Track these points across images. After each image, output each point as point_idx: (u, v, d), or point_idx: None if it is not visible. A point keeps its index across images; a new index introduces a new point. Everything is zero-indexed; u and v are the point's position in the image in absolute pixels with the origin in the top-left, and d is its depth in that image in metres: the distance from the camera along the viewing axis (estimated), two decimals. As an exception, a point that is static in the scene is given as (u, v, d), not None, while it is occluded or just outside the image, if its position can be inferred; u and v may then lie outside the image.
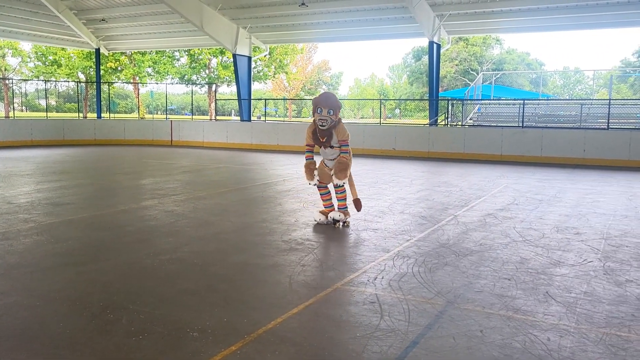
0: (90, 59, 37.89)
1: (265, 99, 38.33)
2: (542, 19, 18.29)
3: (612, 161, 14.64)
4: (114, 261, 4.92)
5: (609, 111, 16.77)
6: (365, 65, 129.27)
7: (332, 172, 6.42)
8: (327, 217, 6.56)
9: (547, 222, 6.91)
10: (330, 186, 6.73)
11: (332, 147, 6.36)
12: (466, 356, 3.10)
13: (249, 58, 23.46)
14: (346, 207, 6.60)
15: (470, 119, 21.66)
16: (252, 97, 25.29)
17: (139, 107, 39.17)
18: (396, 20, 19.88)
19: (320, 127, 6.20)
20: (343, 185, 6.48)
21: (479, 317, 3.68)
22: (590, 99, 32.43)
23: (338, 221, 6.49)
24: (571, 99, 41.21)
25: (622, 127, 17.72)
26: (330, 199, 6.72)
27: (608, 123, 16.54)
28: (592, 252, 5.47)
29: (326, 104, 6.14)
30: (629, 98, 43.11)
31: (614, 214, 7.60)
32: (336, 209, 6.60)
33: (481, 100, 24.75)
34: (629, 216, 7.43)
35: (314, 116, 6.28)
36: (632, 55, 55.20)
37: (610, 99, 19.39)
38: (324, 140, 6.29)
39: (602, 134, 15.43)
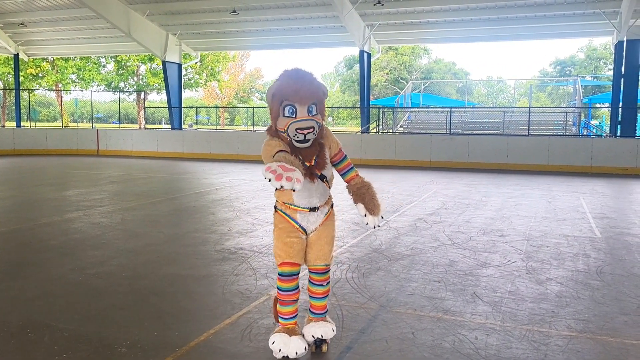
0: (8, 64, 35.98)
1: (197, 107, 37.69)
2: (466, 30, 19.10)
3: (533, 166, 15.42)
4: (35, 277, 4.67)
5: (529, 119, 17.69)
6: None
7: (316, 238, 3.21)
8: (302, 336, 3.21)
9: (474, 225, 7.17)
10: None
11: (322, 177, 3.11)
12: (398, 358, 3.15)
13: (179, 65, 23.05)
14: (326, 311, 3.40)
15: (401, 127, 22.21)
16: (183, 105, 24.84)
17: (62, 116, 37.49)
18: (327, 29, 20.16)
19: (298, 142, 2.93)
20: (329, 265, 3.34)
21: (411, 319, 3.76)
22: (512, 107, 34.11)
23: (325, 341, 3.28)
24: (494, 107, 43.14)
25: (541, 133, 18.72)
26: (297, 299, 3.26)
27: (528, 130, 17.44)
28: (516, 252, 5.72)
29: (311, 95, 2.89)
30: (547, 106, 45.60)
31: (535, 216, 7.99)
32: (312, 315, 3.34)
33: (411, 108, 25.46)
34: (549, 218, 7.84)
35: (276, 124, 2.96)
36: (549, 65, 58.52)
37: (530, 107, 20.51)
38: (313, 164, 3.04)
39: (523, 140, 16.25)
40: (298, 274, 3.19)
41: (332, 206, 3.28)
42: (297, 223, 3.14)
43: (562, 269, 5.08)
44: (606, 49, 48.06)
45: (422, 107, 26.05)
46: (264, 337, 3.40)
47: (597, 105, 32.46)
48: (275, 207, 3.22)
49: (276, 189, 3.01)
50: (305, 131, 2.88)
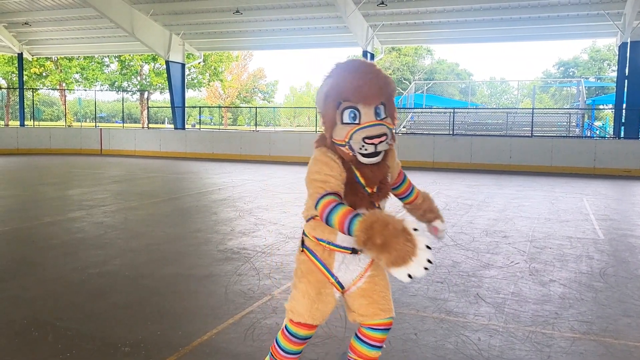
0: (13, 64, 36.05)
1: (200, 107, 37.75)
2: (469, 30, 19.07)
3: (536, 167, 15.40)
4: (39, 276, 4.68)
5: (532, 120, 17.67)
6: (301, 74, 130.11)
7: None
8: None
9: (477, 226, 7.16)
10: None
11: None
12: (401, 359, 3.15)
13: (183, 65, 23.08)
14: None
15: (404, 127, 22.21)
16: (186, 105, 24.86)
17: (65, 115, 37.58)
18: (330, 29, 20.16)
19: (366, 156, 2.15)
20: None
21: (414, 320, 3.75)
22: (515, 108, 34.06)
23: None
24: (498, 108, 43.11)
25: (544, 134, 18.69)
26: None
27: (532, 131, 17.41)
28: (519, 254, 5.71)
29: (379, 92, 2.14)
30: (550, 107, 45.52)
31: (538, 217, 7.98)
32: None
33: (414, 108, 25.45)
34: (552, 219, 7.82)
35: (332, 134, 2.20)
36: (552, 67, 58.44)
37: (533, 108, 20.46)
38: (377, 190, 2.30)
39: (526, 141, 16.21)
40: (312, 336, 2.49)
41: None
42: (332, 275, 2.35)
43: (565, 271, 5.07)
44: (610, 50, 47.94)
45: (425, 108, 26.05)
46: (267, 337, 3.40)
47: (601, 106, 32.40)
48: (302, 243, 2.41)
49: (310, 219, 2.34)
50: (376, 140, 2.10)
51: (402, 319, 3.77)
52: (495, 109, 41.03)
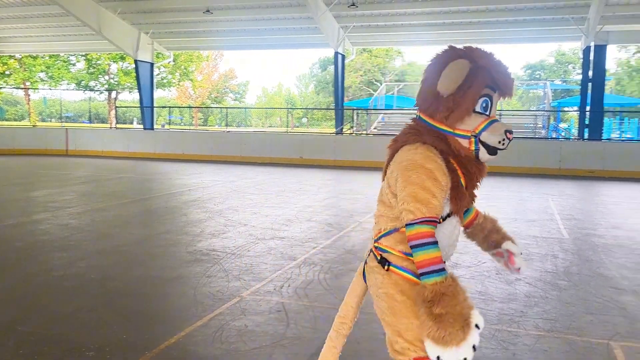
0: (-26, 61, 35.06)
1: (170, 107, 37.32)
2: (440, 33, 19.30)
3: (504, 168, 15.64)
4: (0, 280, 4.55)
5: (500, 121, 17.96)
6: (272, 75, 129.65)
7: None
8: None
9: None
10: None
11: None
12: (369, 358, 3.17)
13: (152, 64, 22.76)
14: None
15: (375, 128, 22.34)
16: (155, 105, 24.53)
17: (30, 114, 36.64)
18: (302, 30, 20.16)
19: (493, 154, 1.98)
20: None
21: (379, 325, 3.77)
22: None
23: None
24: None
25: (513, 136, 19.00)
26: None
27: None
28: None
29: (510, 84, 1.96)
30: (517, 109, 46.41)
31: (506, 217, 8.10)
32: None
33: (384, 109, 25.63)
34: (519, 219, 7.96)
35: (455, 123, 1.94)
36: (520, 69, 59.58)
37: (501, 110, 20.80)
38: (474, 190, 2.08)
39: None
40: None
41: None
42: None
43: (530, 270, 5.17)
44: (575, 54, 49.14)
45: (395, 109, 26.26)
46: (235, 340, 3.37)
47: (566, 108, 33.17)
48: (385, 261, 1.99)
49: (395, 231, 1.98)
50: (512, 135, 1.96)
51: (371, 319, 3.75)
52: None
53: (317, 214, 8.11)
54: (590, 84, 17.65)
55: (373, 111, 24.33)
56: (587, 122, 17.80)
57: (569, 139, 21.29)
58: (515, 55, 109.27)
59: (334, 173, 15.05)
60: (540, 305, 4.15)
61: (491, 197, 10.24)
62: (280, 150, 17.90)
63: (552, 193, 11.15)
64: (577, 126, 19.75)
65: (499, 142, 1.92)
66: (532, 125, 20.74)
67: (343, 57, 20.42)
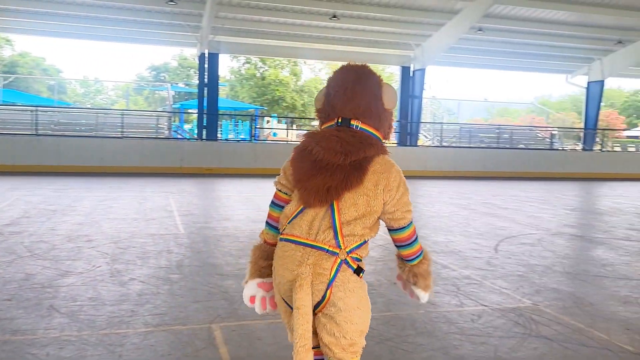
0: None
1: None
2: (56, 24, 17.84)
3: (128, 168, 15.57)
4: None
5: (123, 121, 17.80)
6: None
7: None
8: None
9: (59, 233, 6.73)
10: None
11: None
12: None
13: None
14: None
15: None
16: None
17: None
18: None
19: None
20: None
21: (-32, 349, 3.24)
22: (107, 109, 33.85)
23: None
24: (88, 108, 41.77)
25: (136, 136, 18.99)
26: None
27: (122, 132, 17.51)
28: (102, 257, 5.62)
29: None
30: (141, 109, 46.88)
31: (126, 217, 8.06)
32: None
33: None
34: (138, 219, 8.01)
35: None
36: (145, 70, 60.25)
37: (123, 110, 20.61)
38: None
39: (118, 142, 16.25)
40: None
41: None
42: None
43: (145, 268, 5.24)
44: (195, 60, 52.45)
45: (3, 105, 23.14)
46: None
47: (190, 110, 35.12)
48: (360, 270, 2.11)
49: (365, 242, 2.16)
50: None
51: None
52: (84, 108, 39.57)
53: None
54: (206, 89, 19.10)
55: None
56: (205, 123, 19.20)
57: (189, 139, 22.63)
58: (141, 55, 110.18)
59: None
60: (152, 302, 4.24)
61: (112, 199, 10.05)
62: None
63: (173, 191, 11.63)
64: (197, 127, 21.09)
65: None
66: (155, 125, 21.17)
67: None
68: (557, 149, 23.84)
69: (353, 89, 2.10)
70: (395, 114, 2.66)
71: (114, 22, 17.85)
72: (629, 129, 51.34)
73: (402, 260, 2.21)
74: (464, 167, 18.64)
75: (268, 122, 33.79)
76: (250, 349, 3.42)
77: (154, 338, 3.53)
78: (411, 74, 20.94)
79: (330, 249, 2.00)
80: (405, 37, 19.69)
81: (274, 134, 32.27)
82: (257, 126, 27.15)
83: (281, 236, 2.11)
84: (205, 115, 19.13)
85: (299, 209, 2.07)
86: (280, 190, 2.22)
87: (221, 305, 4.22)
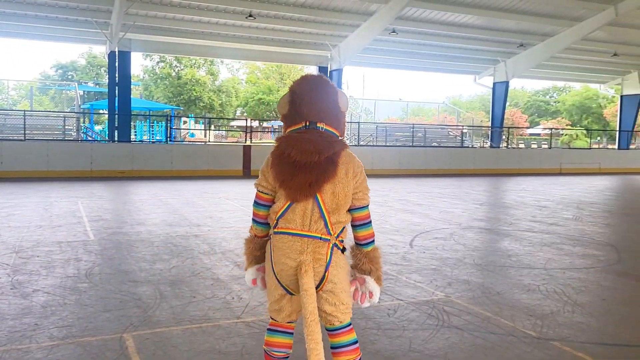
0: None
1: None
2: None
3: (32, 172, 14.65)
4: None
5: (25, 122, 16.71)
6: None
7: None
8: None
9: (-48, 244, 6.21)
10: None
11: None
12: None
13: None
14: None
15: None
16: None
17: None
18: None
19: None
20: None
21: None
22: (8, 110, 31.73)
23: None
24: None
25: (41, 138, 17.93)
26: None
27: (25, 134, 16.45)
28: (1, 268, 5.24)
29: None
30: (47, 110, 44.39)
31: (29, 225, 7.57)
32: None
33: None
34: (44, 226, 7.55)
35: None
36: (50, 69, 56.97)
37: (25, 111, 19.32)
38: None
39: (20, 145, 15.25)
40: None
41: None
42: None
43: (51, 278, 4.94)
44: (105, 58, 50.19)
45: None
46: None
47: (101, 110, 33.58)
48: (344, 249, 2.55)
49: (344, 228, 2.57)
50: None
51: None
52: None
53: None
54: (117, 88, 18.33)
55: None
56: (116, 124, 18.42)
57: (100, 140, 21.66)
58: (46, 53, 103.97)
59: None
60: (57, 314, 4.00)
61: (13, 206, 9.42)
62: None
63: (82, 196, 11.06)
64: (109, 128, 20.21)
65: None
66: (62, 127, 20.08)
67: None
68: (468, 147, 25.03)
69: (316, 97, 2.44)
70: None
71: (14, 17, 16.73)
72: (531, 127, 54.83)
73: (359, 246, 2.52)
74: (381, 165, 19.07)
75: (185, 122, 33.04)
76: (165, 357, 3.31)
77: (60, 352, 3.33)
78: (328, 74, 21.18)
79: (323, 236, 2.38)
80: (322, 37, 19.91)
81: (191, 135, 31.60)
82: (173, 127, 26.45)
83: (276, 230, 2.41)
84: (117, 116, 18.37)
85: (287, 205, 2.37)
86: (261, 192, 2.48)
87: (134, 314, 4.06)
